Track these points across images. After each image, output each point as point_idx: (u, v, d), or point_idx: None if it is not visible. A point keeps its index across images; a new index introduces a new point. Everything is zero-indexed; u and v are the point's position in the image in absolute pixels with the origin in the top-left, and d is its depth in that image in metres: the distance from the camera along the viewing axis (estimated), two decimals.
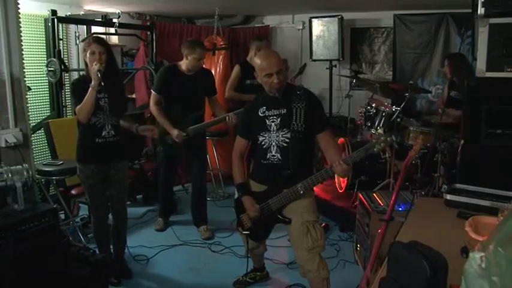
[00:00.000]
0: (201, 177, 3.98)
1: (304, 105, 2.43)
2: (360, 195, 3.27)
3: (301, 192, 2.41)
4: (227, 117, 3.56)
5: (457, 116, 3.93)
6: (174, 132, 3.55)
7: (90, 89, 2.72)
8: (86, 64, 2.85)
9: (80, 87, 2.82)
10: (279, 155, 2.49)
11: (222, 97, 5.06)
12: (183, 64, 3.65)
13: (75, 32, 4.62)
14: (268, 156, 2.52)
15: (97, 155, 2.92)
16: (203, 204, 4.06)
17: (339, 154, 2.49)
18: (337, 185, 4.50)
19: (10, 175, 2.41)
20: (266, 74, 2.42)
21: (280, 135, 2.48)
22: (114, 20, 4.53)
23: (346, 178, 4.15)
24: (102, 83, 2.71)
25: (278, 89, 2.44)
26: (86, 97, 2.73)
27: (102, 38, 2.99)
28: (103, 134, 2.90)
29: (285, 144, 2.47)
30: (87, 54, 2.78)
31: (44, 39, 4.27)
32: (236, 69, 4.46)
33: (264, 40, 4.37)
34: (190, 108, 3.67)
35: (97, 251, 2.92)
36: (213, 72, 5.28)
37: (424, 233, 1.84)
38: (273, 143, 2.50)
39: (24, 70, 3.04)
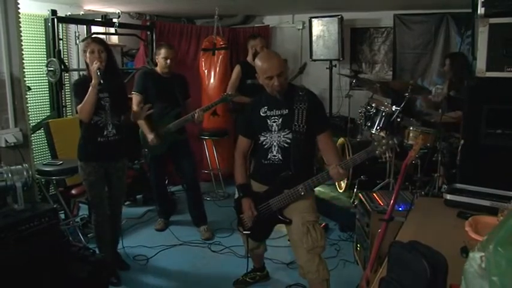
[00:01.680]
0: (193, 175, 3.99)
1: (306, 106, 2.43)
2: (360, 195, 3.27)
3: (302, 193, 2.41)
4: (195, 114, 3.71)
5: (455, 116, 3.93)
6: (150, 137, 3.69)
7: (90, 87, 2.77)
8: (87, 64, 2.90)
9: (82, 87, 2.86)
10: (280, 155, 2.49)
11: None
12: (158, 68, 3.83)
13: (75, 32, 4.62)
14: (269, 157, 2.52)
15: (99, 153, 2.97)
16: (200, 202, 4.06)
17: (337, 156, 2.49)
18: (337, 185, 4.50)
19: (10, 175, 2.41)
20: (267, 76, 2.42)
21: (281, 136, 2.47)
22: (114, 20, 4.53)
23: (343, 180, 4.16)
24: (101, 81, 2.76)
25: (279, 91, 2.44)
26: (86, 96, 2.78)
27: (101, 38, 3.05)
28: (105, 133, 2.94)
29: (286, 145, 2.47)
30: (87, 54, 2.84)
31: (44, 39, 4.27)
32: (236, 69, 4.46)
33: (258, 37, 4.38)
34: (169, 106, 3.80)
35: (97, 251, 2.92)
36: (214, 72, 5.31)
37: (424, 233, 1.85)
38: (274, 143, 2.50)
39: (24, 70, 3.04)
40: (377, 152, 2.25)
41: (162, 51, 3.73)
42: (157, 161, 4.01)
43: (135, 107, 3.71)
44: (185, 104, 3.93)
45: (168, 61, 3.74)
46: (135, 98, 3.74)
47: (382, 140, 2.26)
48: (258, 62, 2.48)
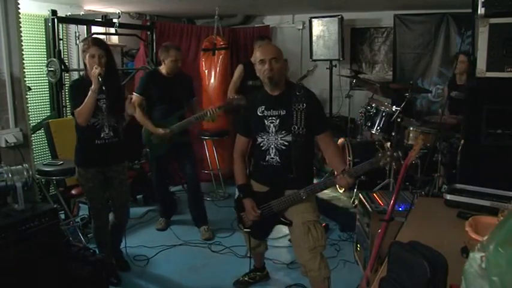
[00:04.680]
0: (194, 176, 3.99)
1: (304, 107, 2.40)
2: (360, 195, 3.27)
3: (304, 197, 2.42)
4: (208, 112, 3.68)
5: (454, 122, 3.92)
6: (159, 131, 3.67)
7: (90, 92, 2.71)
8: (85, 65, 2.85)
9: (78, 89, 2.81)
10: (277, 157, 2.47)
11: (221, 96, 5.07)
12: (163, 69, 3.78)
13: (75, 32, 4.63)
14: (267, 158, 2.51)
15: (97, 157, 2.91)
16: (200, 202, 4.06)
17: (339, 156, 2.49)
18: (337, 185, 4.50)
19: (10, 175, 2.40)
20: (260, 60, 2.41)
21: (279, 138, 2.45)
22: (114, 20, 4.53)
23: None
24: (103, 87, 2.71)
25: (270, 77, 2.39)
26: (86, 100, 2.72)
27: (102, 40, 3.00)
28: (102, 135, 2.88)
29: (283, 147, 2.45)
30: (87, 57, 2.77)
31: (44, 39, 4.27)
32: (239, 69, 4.45)
33: (266, 39, 4.38)
34: (172, 108, 3.78)
35: (97, 251, 2.92)
36: (214, 72, 5.30)
37: (424, 233, 1.84)
38: (272, 146, 2.48)
39: (24, 70, 3.04)
40: (381, 163, 2.26)
41: (172, 54, 3.65)
42: (158, 161, 4.01)
43: (135, 108, 3.70)
44: (192, 102, 3.93)
45: (179, 63, 3.73)
46: (136, 99, 3.71)
47: (387, 151, 2.28)
48: (255, 53, 2.51)
